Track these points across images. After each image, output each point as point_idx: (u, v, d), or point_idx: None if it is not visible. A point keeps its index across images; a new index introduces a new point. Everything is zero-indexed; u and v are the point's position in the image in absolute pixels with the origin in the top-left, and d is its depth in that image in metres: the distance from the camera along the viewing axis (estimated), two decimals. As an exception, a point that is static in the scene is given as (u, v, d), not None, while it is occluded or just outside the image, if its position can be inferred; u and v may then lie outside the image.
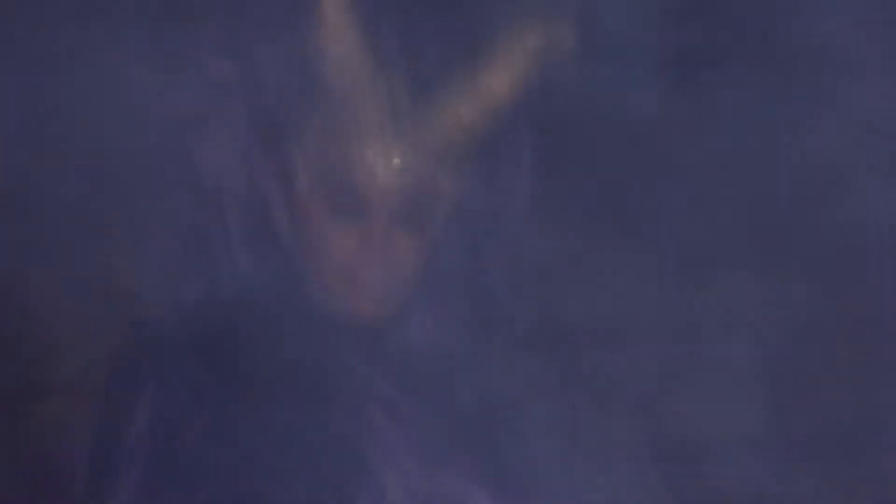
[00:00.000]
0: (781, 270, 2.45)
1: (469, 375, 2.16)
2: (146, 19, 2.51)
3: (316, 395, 2.11)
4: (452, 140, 2.11)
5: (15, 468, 2.14)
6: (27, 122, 2.37)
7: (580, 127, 2.68)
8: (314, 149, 2.13)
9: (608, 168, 2.69)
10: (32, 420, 2.44)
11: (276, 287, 2.16)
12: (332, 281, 2.15)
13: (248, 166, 2.14)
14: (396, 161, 2.12)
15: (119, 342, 2.27)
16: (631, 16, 2.53)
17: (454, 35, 2.08)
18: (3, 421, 2.32)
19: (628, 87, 2.56)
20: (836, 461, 2.49)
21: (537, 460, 2.20)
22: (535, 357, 2.58)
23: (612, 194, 2.69)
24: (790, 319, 2.45)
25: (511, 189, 2.23)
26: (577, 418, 2.59)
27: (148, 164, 2.41)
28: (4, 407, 2.31)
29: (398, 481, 2.08)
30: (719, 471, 2.38)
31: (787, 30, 2.45)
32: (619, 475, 2.43)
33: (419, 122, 2.11)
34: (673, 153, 2.67)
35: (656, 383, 2.44)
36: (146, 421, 2.08)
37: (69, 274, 2.31)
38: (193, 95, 2.40)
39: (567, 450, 2.40)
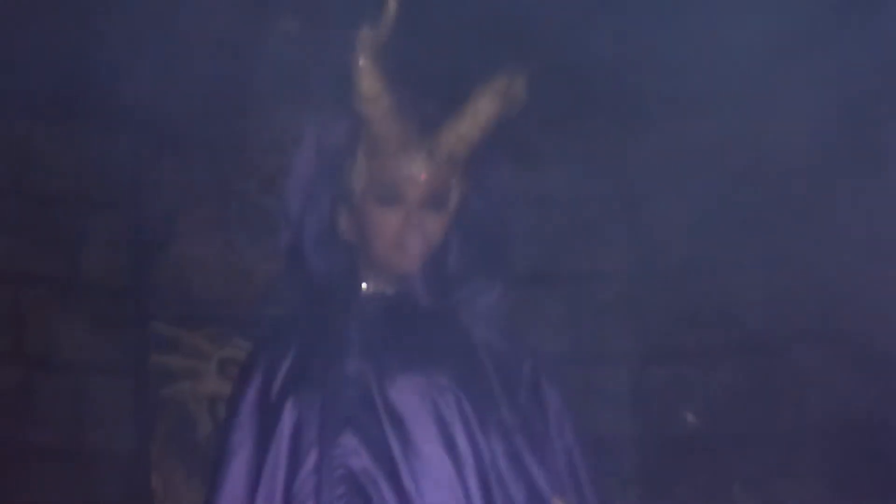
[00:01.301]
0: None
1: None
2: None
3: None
4: (455, 151, 2.66)
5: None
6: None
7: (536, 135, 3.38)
8: (364, 168, 2.66)
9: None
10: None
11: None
12: (384, 250, 2.62)
13: (315, 197, 2.67)
14: (420, 168, 2.63)
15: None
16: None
17: (451, 82, 2.69)
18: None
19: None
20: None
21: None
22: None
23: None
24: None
25: (495, 180, 2.74)
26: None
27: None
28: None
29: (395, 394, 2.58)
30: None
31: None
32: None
33: (431, 141, 2.65)
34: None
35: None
36: None
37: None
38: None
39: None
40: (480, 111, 2.63)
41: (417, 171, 2.64)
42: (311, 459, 2.54)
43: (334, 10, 2.75)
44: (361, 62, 2.53)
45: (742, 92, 3.34)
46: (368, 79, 2.54)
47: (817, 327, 3.37)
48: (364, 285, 2.67)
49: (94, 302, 3.32)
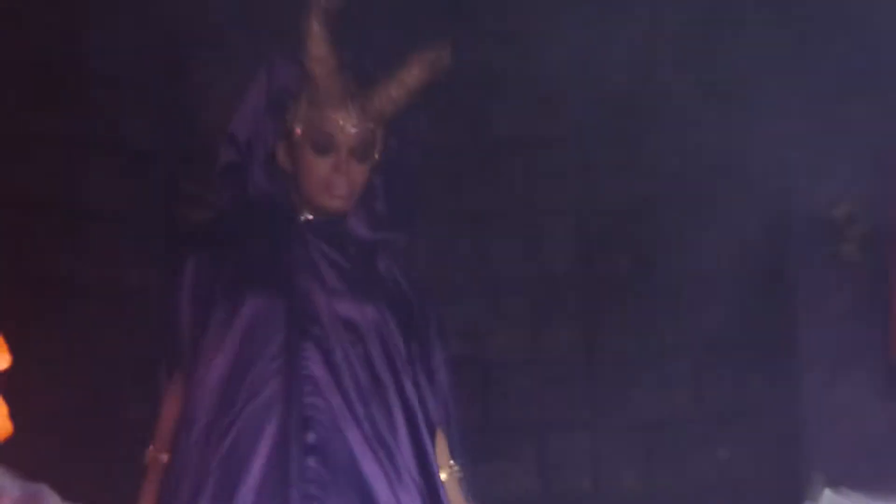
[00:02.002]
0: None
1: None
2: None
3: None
4: (384, 109, 2.82)
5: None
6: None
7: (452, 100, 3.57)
8: (305, 115, 2.79)
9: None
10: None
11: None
12: (313, 190, 2.79)
13: (262, 128, 2.82)
14: (353, 123, 2.77)
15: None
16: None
17: (383, 50, 2.89)
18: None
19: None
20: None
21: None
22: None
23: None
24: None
25: (415, 136, 2.95)
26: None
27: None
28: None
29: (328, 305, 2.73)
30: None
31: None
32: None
33: (365, 99, 2.80)
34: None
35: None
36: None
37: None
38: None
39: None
40: (410, 77, 2.81)
41: (350, 124, 2.79)
42: (270, 349, 2.72)
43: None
44: (314, 27, 2.72)
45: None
46: (318, 42, 2.73)
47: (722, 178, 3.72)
48: (309, 216, 2.83)
49: (135, 165, 3.61)
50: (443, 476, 2.83)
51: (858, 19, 3.42)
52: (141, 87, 3.58)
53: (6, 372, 2.33)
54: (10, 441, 2.36)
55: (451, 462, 2.85)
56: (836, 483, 2.99)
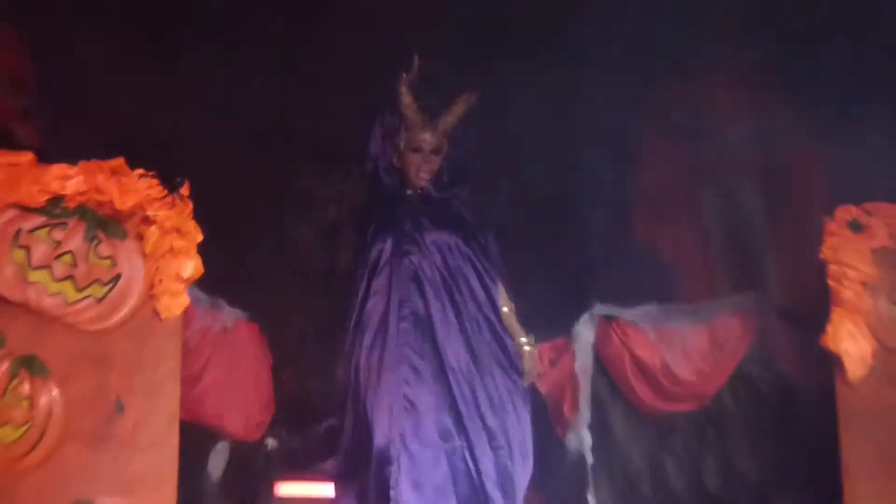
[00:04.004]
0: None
1: None
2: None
3: None
4: (446, 128, 4.27)
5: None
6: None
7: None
8: (404, 136, 4.28)
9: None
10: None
11: None
12: (412, 174, 4.31)
13: (383, 149, 4.37)
14: (430, 137, 4.24)
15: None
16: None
17: (443, 98, 4.30)
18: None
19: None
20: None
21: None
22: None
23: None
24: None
25: (464, 139, 4.35)
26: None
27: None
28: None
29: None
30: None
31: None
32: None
33: (436, 124, 4.30)
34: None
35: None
36: None
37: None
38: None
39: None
40: (456, 111, 4.37)
41: (429, 138, 4.35)
42: (383, 258, 4.20)
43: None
44: (403, 90, 4.31)
45: None
46: (407, 98, 4.31)
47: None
48: (408, 192, 4.34)
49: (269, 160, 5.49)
50: (505, 309, 4.31)
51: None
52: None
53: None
54: (202, 277, 4.06)
55: (510, 301, 4.33)
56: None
